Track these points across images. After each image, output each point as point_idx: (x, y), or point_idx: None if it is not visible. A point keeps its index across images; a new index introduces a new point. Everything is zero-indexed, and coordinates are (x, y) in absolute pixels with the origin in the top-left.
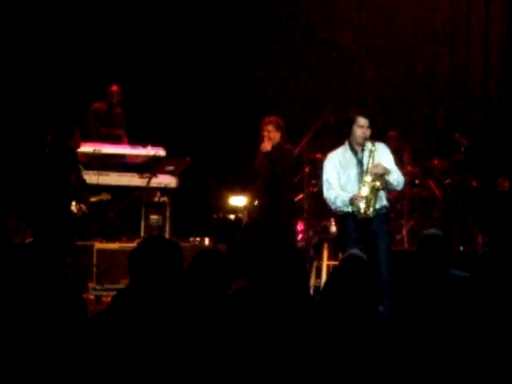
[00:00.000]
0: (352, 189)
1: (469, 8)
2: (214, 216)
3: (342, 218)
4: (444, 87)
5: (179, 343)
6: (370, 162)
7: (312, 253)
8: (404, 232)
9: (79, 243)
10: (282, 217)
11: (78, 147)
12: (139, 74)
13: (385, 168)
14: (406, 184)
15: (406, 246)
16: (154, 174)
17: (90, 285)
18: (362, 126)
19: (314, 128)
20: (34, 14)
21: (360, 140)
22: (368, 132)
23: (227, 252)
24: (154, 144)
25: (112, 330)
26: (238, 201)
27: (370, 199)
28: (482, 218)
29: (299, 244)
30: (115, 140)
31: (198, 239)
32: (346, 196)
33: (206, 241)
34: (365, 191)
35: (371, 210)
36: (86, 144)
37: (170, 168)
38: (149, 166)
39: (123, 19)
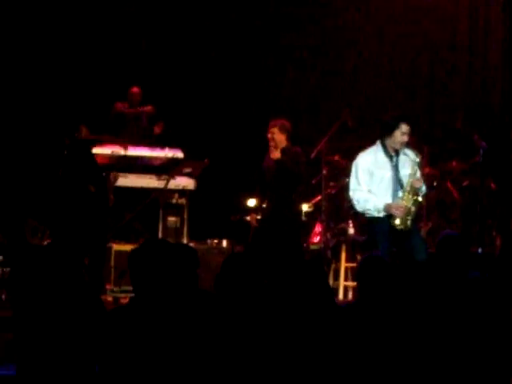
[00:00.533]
0: (384, 192)
1: (487, 18)
2: (232, 218)
3: (374, 222)
4: (462, 92)
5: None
6: (413, 173)
7: (330, 255)
8: (423, 234)
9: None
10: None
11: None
12: (157, 76)
13: (422, 182)
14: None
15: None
16: (171, 175)
17: (108, 286)
18: (404, 133)
19: (331, 130)
20: (54, 20)
21: (399, 146)
22: (406, 139)
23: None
24: (172, 146)
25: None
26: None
27: (411, 211)
28: (500, 220)
29: (317, 246)
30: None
31: (215, 241)
32: (380, 202)
33: (224, 243)
34: (408, 202)
35: (410, 221)
36: (105, 146)
37: (188, 170)
38: (167, 168)
39: (141, 24)
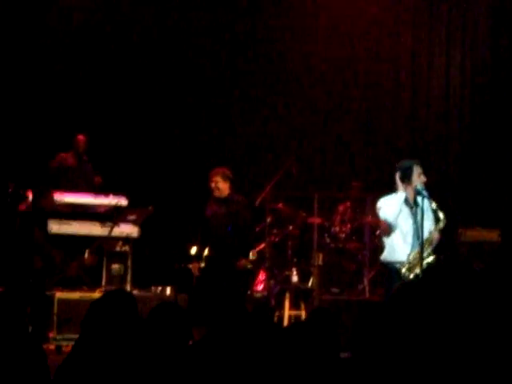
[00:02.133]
0: (404, 241)
1: (431, 55)
2: (176, 266)
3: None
4: (406, 138)
5: None
6: (433, 230)
7: (274, 302)
8: (365, 282)
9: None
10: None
11: (52, 208)
12: (101, 123)
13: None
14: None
15: (367, 295)
16: (116, 223)
17: (51, 334)
18: (420, 173)
19: (275, 178)
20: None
21: (420, 186)
22: (424, 179)
23: (189, 301)
24: (116, 193)
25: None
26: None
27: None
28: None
29: (261, 293)
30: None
31: (159, 288)
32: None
33: (168, 290)
34: (429, 259)
35: (413, 275)
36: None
37: (132, 217)
38: (111, 215)
39: (86, 71)
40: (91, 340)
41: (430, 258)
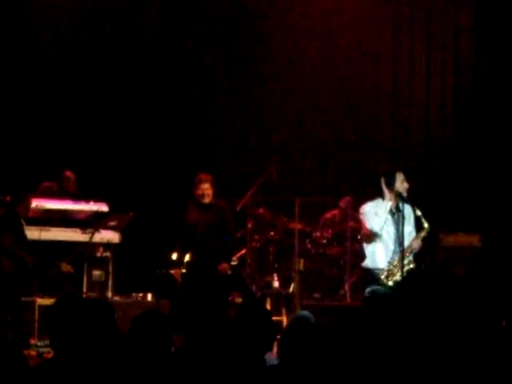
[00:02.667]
0: (389, 247)
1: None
2: (157, 271)
3: (373, 278)
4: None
5: None
6: (415, 238)
7: None
8: (346, 287)
9: (22, 299)
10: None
11: (26, 215)
12: (81, 130)
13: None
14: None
15: (348, 301)
16: (96, 229)
17: (32, 341)
18: (403, 180)
19: (256, 183)
20: None
21: (403, 192)
22: (407, 185)
23: (170, 308)
24: (97, 199)
25: None
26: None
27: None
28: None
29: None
30: None
31: (140, 295)
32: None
33: (149, 296)
34: (410, 266)
35: (392, 282)
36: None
37: (113, 223)
38: (92, 222)
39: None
40: (62, 346)
41: (411, 265)
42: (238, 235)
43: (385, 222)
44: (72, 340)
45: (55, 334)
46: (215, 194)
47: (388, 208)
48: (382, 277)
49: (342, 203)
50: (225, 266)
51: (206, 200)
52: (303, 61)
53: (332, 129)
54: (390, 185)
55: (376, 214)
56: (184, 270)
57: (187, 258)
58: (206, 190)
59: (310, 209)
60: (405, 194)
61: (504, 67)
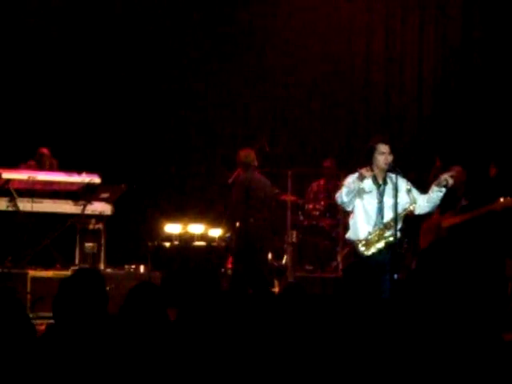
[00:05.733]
0: (367, 220)
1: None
2: (149, 243)
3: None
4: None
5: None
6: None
7: None
8: (339, 259)
9: (13, 271)
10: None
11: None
12: (74, 103)
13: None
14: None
15: (341, 272)
16: (88, 201)
17: None
18: (383, 153)
19: None
20: None
21: (384, 166)
22: (390, 158)
23: (163, 280)
24: (89, 171)
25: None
26: (173, 228)
27: (375, 243)
28: (415, 244)
29: None
30: None
31: (133, 267)
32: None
33: (141, 268)
34: (378, 237)
35: (371, 252)
36: (21, 171)
37: (105, 195)
38: (84, 193)
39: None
40: (63, 319)
41: (391, 239)
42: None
43: (353, 192)
44: (79, 312)
45: (67, 306)
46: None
47: (369, 180)
48: (360, 246)
49: (326, 163)
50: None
51: None
52: (294, 36)
53: (324, 102)
54: (369, 157)
55: (348, 182)
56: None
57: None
58: None
59: (302, 181)
60: (385, 166)
61: (495, 39)
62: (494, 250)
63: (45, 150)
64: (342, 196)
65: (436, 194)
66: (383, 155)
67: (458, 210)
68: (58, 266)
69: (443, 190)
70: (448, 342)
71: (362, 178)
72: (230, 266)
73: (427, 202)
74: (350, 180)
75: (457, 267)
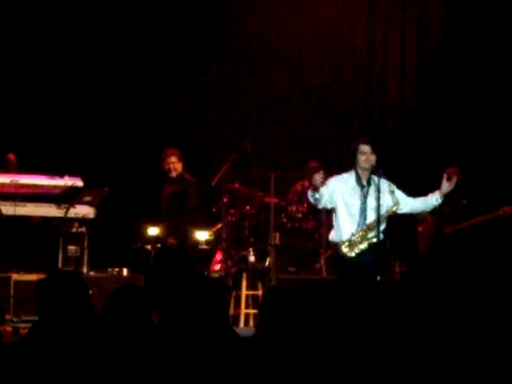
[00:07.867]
0: (351, 220)
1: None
2: (133, 246)
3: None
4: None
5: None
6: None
7: (231, 283)
8: (322, 261)
9: None
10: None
11: None
12: (55, 105)
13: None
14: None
15: (324, 274)
16: (71, 204)
17: (7, 316)
18: (365, 153)
19: (231, 158)
20: None
21: (365, 166)
22: (372, 158)
23: (146, 282)
24: (72, 174)
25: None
26: (156, 231)
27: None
28: (399, 247)
29: (218, 273)
30: None
31: (116, 270)
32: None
33: (125, 271)
34: (362, 238)
35: (354, 254)
36: (3, 175)
37: (88, 198)
38: (66, 197)
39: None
40: (46, 322)
41: (374, 240)
42: (214, 210)
43: (350, 195)
44: (59, 314)
45: (45, 308)
46: (187, 170)
47: (352, 181)
48: (343, 247)
49: (312, 164)
50: (170, 241)
51: (173, 174)
52: (277, 36)
53: (307, 102)
54: (353, 158)
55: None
56: (158, 245)
57: (157, 232)
58: (173, 163)
59: (285, 183)
60: (367, 166)
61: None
62: (502, 255)
63: (10, 156)
64: (309, 197)
65: (436, 200)
66: (364, 155)
67: (459, 209)
68: (41, 269)
69: (442, 198)
70: (447, 344)
71: (314, 187)
72: (213, 268)
73: (422, 204)
74: (309, 194)
75: (462, 272)
